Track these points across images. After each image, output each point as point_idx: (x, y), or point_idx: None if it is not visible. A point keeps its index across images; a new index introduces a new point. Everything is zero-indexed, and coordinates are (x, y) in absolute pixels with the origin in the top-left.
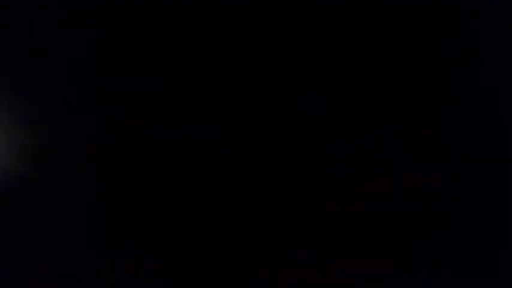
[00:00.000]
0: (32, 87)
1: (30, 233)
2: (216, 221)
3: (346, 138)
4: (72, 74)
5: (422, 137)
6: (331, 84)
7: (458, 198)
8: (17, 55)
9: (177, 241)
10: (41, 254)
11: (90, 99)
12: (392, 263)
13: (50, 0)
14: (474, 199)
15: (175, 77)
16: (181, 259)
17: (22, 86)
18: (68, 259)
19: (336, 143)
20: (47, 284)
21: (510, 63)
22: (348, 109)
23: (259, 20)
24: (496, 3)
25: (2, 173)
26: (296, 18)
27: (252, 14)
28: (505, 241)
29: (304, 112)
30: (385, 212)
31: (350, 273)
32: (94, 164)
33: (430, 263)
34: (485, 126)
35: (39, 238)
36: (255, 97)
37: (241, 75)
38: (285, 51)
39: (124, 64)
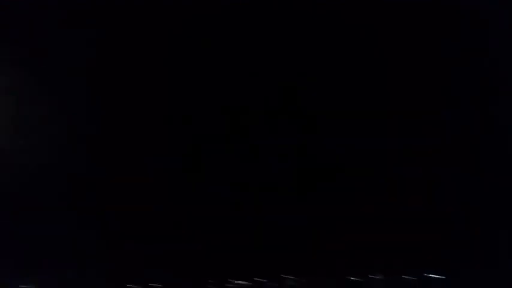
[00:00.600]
0: (31, 87)
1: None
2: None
3: (346, 137)
4: (72, 74)
5: (422, 137)
6: (331, 85)
7: (459, 199)
8: (16, 55)
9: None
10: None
11: (90, 99)
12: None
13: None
14: (475, 199)
15: (174, 77)
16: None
17: (22, 85)
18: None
19: (336, 142)
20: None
21: (510, 63)
22: (348, 109)
23: (259, 20)
24: (496, 3)
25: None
26: (296, 18)
27: (252, 14)
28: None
29: (303, 114)
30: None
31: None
32: (94, 159)
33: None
34: (485, 125)
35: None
36: (255, 97)
37: (242, 76)
38: (285, 52)
39: (124, 64)
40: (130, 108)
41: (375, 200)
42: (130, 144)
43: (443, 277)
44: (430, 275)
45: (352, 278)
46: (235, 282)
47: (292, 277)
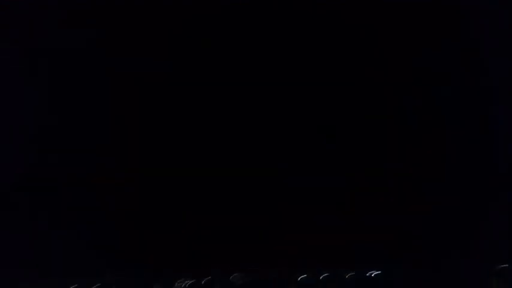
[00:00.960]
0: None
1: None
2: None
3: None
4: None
5: (422, 138)
6: (332, 86)
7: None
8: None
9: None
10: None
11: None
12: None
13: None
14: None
15: (174, 77)
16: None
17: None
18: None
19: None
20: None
21: (510, 63)
22: (348, 110)
23: (260, 20)
24: (496, 3)
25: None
26: (297, 18)
27: (252, 14)
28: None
29: (303, 116)
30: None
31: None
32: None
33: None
34: (485, 126)
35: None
36: (255, 97)
37: (241, 76)
38: (285, 52)
39: (123, 64)
40: (128, 109)
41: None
42: (128, 143)
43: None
44: (372, 273)
45: (300, 277)
46: (183, 280)
47: (239, 274)
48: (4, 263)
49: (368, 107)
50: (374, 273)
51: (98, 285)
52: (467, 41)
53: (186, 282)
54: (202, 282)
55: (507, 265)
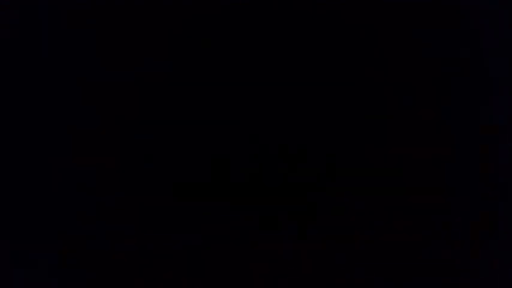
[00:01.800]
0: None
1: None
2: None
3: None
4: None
5: (421, 141)
6: (335, 87)
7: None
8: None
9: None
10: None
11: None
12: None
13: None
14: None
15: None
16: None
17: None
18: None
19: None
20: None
21: (510, 63)
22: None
23: (260, 20)
24: (496, 3)
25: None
26: (297, 18)
27: (252, 14)
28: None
29: (302, 116)
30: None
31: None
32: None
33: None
34: (484, 126)
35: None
36: (255, 98)
37: (240, 77)
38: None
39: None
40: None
41: None
42: (128, 144)
43: None
44: None
45: None
46: None
47: None
48: None
49: (367, 106)
50: None
51: None
52: (467, 41)
53: None
54: None
55: None
